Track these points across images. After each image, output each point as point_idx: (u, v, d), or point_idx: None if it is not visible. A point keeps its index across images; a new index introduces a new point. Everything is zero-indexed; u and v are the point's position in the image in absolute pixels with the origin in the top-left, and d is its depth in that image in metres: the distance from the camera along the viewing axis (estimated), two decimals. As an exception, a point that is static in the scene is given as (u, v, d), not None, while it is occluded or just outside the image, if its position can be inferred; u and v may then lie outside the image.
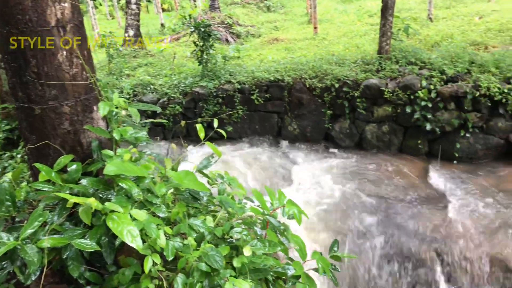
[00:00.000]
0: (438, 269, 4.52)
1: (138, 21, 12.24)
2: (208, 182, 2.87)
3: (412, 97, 6.37)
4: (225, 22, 14.10)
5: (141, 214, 1.93)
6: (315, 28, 11.67)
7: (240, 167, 6.21)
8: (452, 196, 5.45)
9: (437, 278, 4.46)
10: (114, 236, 2.00)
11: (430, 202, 5.38)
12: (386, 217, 5.04)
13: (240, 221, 2.59)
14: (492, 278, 4.55)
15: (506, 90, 5.96)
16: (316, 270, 2.49)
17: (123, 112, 2.64)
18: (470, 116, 6.20)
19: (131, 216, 1.89)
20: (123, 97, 6.92)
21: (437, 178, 5.92)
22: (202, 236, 2.23)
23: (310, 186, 5.68)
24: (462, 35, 8.72)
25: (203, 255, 2.01)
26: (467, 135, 6.28)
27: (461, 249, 4.67)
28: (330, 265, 2.56)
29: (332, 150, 7.00)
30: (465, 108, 6.19)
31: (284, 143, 7.26)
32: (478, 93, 6.03)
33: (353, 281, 4.54)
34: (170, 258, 1.96)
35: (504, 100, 5.98)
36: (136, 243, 1.76)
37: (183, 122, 2.89)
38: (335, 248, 2.74)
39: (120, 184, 2.07)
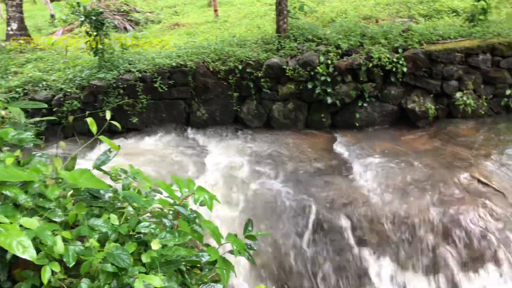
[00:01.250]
0: (350, 233, 4.78)
1: (21, 12, 11.19)
2: (111, 178, 2.73)
3: (312, 73, 6.60)
4: (122, 10, 13.44)
5: (32, 222, 1.78)
6: (216, 11, 11.58)
7: (148, 158, 6.02)
8: (356, 162, 5.79)
9: (350, 242, 4.72)
10: (5, 250, 1.82)
11: (337, 171, 5.66)
12: (297, 190, 5.21)
13: (149, 215, 2.51)
14: (398, 234, 4.91)
15: (395, 60, 6.40)
16: (232, 252, 2.49)
17: (3, 112, 2.40)
18: (366, 87, 6.59)
19: (21, 225, 1.73)
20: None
21: (341, 147, 6.25)
22: (106, 236, 2.12)
23: (222, 170, 5.67)
24: (355, 10, 9.18)
25: (108, 256, 1.91)
26: (365, 104, 6.68)
27: (368, 211, 4.98)
28: (245, 245, 2.57)
29: (242, 132, 7.05)
30: (361, 79, 6.57)
31: (194, 130, 7.16)
32: (371, 64, 6.41)
33: (274, 256, 4.64)
34: (71, 264, 1.83)
35: (394, 69, 6.43)
36: (28, 254, 1.62)
37: (71, 118, 2.69)
38: (250, 228, 2.76)
39: (3, 192, 1.88)
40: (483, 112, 6.58)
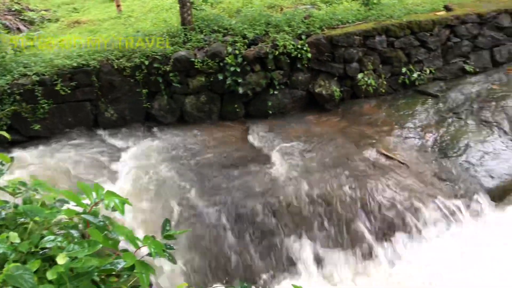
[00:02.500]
0: (271, 220, 4.88)
1: None
2: (9, 193, 2.52)
3: (221, 64, 6.59)
4: (13, 9, 12.39)
5: None
6: (118, 6, 11.07)
7: (55, 167, 5.63)
8: (271, 150, 5.92)
9: (272, 228, 4.82)
10: None
11: (254, 160, 5.74)
12: (217, 184, 5.21)
13: (57, 227, 2.36)
14: (317, 214, 5.10)
15: (299, 46, 6.60)
16: (151, 254, 2.42)
17: None
18: (274, 75, 6.73)
19: None
20: None
21: (256, 136, 6.34)
22: (4, 256, 1.95)
23: (136, 172, 5.48)
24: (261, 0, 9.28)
25: (7, 278, 1.76)
26: (276, 92, 6.82)
27: (286, 195, 5.12)
28: (163, 246, 2.51)
29: (155, 129, 6.85)
30: (269, 67, 6.69)
31: (103, 132, 6.82)
32: (277, 52, 6.55)
33: (196, 252, 4.60)
34: (-36, 295, 1.66)
35: (299, 56, 6.62)
36: None
37: None
38: (167, 228, 2.70)
39: None
40: (383, 91, 7.03)
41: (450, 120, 6.43)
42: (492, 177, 5.64)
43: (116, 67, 6.67)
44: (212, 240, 4.63)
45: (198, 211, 4.89)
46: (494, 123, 6.27)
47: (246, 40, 6.74)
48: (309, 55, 6.66)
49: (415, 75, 6.96)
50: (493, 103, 6.51)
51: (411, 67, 7.01)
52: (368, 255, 4.83)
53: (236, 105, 6.87)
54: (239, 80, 6.60)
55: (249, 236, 4.69)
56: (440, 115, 6.57)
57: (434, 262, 4.83)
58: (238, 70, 6.54)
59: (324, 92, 6.86)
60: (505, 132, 6.16)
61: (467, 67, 7.09)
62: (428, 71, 7.01)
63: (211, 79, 6.74)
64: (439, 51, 7.06)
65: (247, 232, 4.71)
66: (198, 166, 5.61)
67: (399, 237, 5.01)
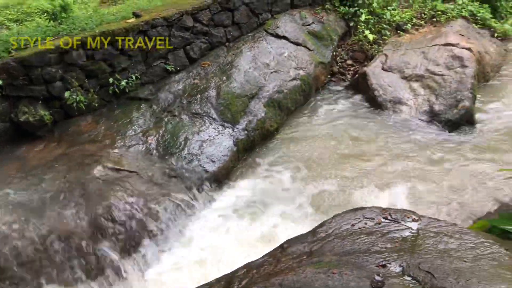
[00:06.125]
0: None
1: None
2: None
3: None
4: None
5: None
6: None
7: None
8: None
9: (1, 289, 4.13)
10: None
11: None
12: None
13: None
14: (53, 254, 4.64)
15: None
16: None
17: None
18: (-39, 112, 5.69)
19: None
20: None
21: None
22: None
23: None
24: None
25: None
26: (-32, 131, 5.79)
27: (13, 245, 4.46)
28: None
29: None
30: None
31: None
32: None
33: None
34: None
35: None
36: None
37: None
38: None
39: None
40: (97, 105, 6.81)
41: (166, 119, 6.76)
42: (213, 161, 6.27)
43: None
44: None
45: None
46: (204, 114, 6.93)
47: None
48: (0, 82, 5.87)
49: (123, 83, 6.97)
50: (198, 96, 7.17)
51: (117, 76, 6.97)
52: (119, 275, 4.70)
53: None
54: None
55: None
56: (156, 116, 6.83)
57: (185, 257, 5.07)
58: None
59: (31, 119, 6.18)
60: (214, 119, 6.90)
61: (168, 67, 7.52)
62: (134, 77, 7.12)
63: None
64: (139, 57, 7.25)
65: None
66: None
67: (146, 244, 5.05)
